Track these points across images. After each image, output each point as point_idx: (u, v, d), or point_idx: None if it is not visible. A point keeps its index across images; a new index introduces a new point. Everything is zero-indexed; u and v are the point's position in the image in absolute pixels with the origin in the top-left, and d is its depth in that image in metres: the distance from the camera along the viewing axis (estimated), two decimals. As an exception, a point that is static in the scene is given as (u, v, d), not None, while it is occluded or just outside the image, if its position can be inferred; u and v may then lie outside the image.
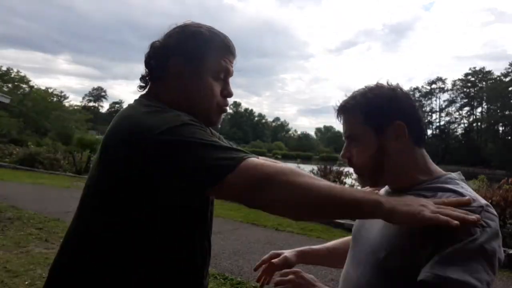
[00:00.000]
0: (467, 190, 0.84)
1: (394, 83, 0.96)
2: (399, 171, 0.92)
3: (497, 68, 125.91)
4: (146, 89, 0.96)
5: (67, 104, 41.69)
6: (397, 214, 0.71)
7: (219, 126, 1.03)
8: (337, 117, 1.00)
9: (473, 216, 0.73)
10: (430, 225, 0.70)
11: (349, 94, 0.99)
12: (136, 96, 0.96)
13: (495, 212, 0.81)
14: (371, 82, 0.99)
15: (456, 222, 0.68)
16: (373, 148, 0.92)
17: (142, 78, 0.95)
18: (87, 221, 0.84)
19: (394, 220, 0.72)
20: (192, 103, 0.91)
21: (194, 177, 0.73)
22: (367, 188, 0.99)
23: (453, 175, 0.92)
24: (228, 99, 0.97)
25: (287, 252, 1.21)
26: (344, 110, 0.97)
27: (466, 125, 74.11)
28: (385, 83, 0.96)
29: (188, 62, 0.90)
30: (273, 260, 1.21)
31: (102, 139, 0.86)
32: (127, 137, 0.78)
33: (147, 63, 0.94)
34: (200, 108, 0.92)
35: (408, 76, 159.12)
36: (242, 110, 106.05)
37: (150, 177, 0.76)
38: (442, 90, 76.32)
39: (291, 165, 0.77)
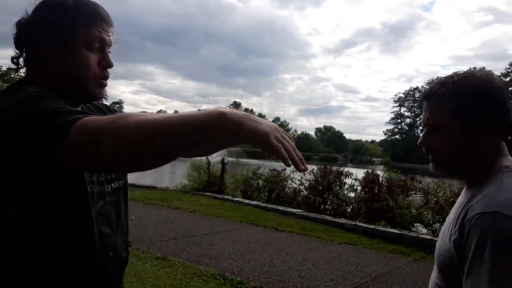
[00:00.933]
0: (498, 192, 0.81)
1: (487, 71, 0.90)
2: (480, 164, 0.89)
3: (497, 68, 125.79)
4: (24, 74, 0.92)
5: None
6: (242, 128, 0.67)
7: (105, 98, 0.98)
8: (420, 103, 0.95)
9: (304, 167, 0.71)
10: (269, 152, 0.67)
11: (435, 80, 0.94)
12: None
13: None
14: (462, 69, 0.93)
15: (290, 162, 0.67)
16: (459, 140, 0.88)
17: (13, 60, 0.91)
18: None
19: (240, 134, 0.67)
20: (68, 78, 0.88)
21: (38, 149, 0.69)
22: None
23: (511, 167, 0.87)
24: (108, 69, 0.92)
25: None
26: (431, 96, 0.92)
27: (466, 125, 74.12)
28: (478, 72, 0.90)
29: (56, 37, 0.86)
30: None
31: None
32: None
33: (16, 44, 0.89)
34: (76, 82, 0.88)
35: (408, 76, 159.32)
36: (242, 110, 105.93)
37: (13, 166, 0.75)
38: (442, 90, 76.33)
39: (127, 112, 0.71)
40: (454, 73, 0.92)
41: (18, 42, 0.89)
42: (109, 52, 0.93)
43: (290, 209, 7.19)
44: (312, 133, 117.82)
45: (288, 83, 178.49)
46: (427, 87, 0.98)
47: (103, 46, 0.91)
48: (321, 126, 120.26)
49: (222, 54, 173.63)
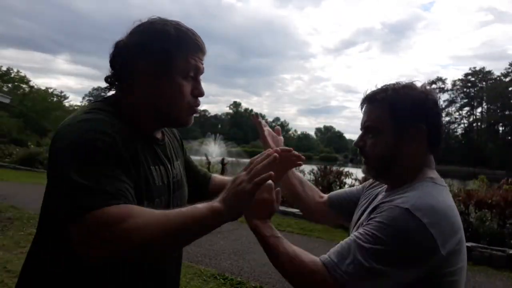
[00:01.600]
0: (417, 195, 0.85)
1: (426, 84, 0.97)
2: (405, 170, 0.95)
3: (497, 68, 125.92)
4: (111, 92, 0.94)
5: (67, 104, 41.67)
6: (233, 209, 0.75)
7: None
8: (361, 105, 1.01)
9: (273, 156, 0.78)
10: (257, 191, 0.75)
11: (379, 85, 1.00)
12: None
13: (417, 215, 0.80)
14: (404, 79, 0.99)
15: (271, 173, 0.74)
16: (390, 144, 0.93)
17: (107, 79, 0.92)
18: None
19: (235, 214, 0.76)
20: (160, 104, 0.89)
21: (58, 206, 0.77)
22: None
23: (435, 179, 0.93)
24: (200, 98, 0.94)
25: None
26: (371, 100, 0.98)
27: (466, 125, 74.06)
28: (419, 84, 0.96)
29: (155, 62, 0.87)
30: None
31: None
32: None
33: (112, 64, 0.90)
34: (169, 109, 0.90)
35: (408, 76, 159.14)
36: (242, 110, 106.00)
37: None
38: (442, 90, 76.26)
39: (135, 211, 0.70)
40: (396, 82, 0.98)
41: (114, 61, 0.89)
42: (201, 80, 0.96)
43: (290, 209, 7.19)
44: (312, 133, 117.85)
45: (288, 83, 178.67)
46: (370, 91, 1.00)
47: (197, 75, 0.93)
48: (321, 126, 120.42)
49: (221, 54, 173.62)
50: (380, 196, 1.02)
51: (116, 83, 0.92)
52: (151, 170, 0.88)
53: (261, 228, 0.93)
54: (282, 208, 7.37)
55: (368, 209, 0.99)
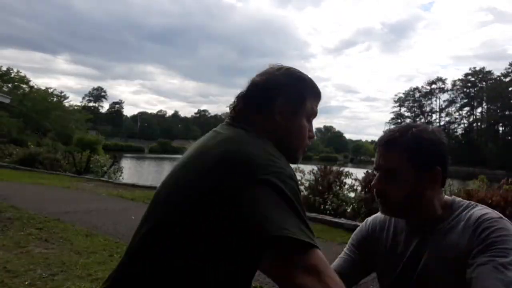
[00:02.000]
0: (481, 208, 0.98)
1: (436, 128, 1.05)
2: (426, 209, 1.00)
3: (496, 68, 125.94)
4: (249, 120, 0.95)
5: (67, 104, 41.60)
6: None
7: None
8: (377, 147, 1.04)
9: None
10: None
11: (393, 128, 1.05)
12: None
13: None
14: (414, 122, 1.07)
15: None
16: (409, 188, 0.97)
17: (236, 110, 0.98)
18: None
19: None
20: (287, 141, 0.96)
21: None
22: None
23: (464, 202, 1.03)
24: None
25: None
26: (389, 143, 1.01)
27: (466, 125, 74.15)
28: (430, 128, 1.02)
29: (292, 103, 0.96)
30: None
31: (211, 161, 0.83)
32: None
33: (248, 99, 0.97)
34: (293, 146, 0.98)
35: (408, 76, 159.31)
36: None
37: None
38: (442, 90, 76.35)
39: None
40: (410, 123, 1.04)
41: (250, 97, 0.97)
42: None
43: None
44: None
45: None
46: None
47: (312, 119, 1.03)
48: (321, 126, 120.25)
49: (221, 54, 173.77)
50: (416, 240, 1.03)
51: (252, 115, 0.96)
52: None
53: None
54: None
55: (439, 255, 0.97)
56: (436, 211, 1.00)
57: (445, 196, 1.04)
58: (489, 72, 70.23)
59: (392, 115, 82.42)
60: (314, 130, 1.06)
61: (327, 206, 7.44)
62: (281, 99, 0.95)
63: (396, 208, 1.02)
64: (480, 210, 0.97)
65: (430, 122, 77.10)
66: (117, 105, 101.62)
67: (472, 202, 1.02)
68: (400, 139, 0.99)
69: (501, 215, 0.93)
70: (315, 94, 1.02)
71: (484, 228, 0.90)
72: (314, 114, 1.03)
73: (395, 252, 1.07)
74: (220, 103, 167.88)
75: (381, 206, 1.04)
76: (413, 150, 0.97)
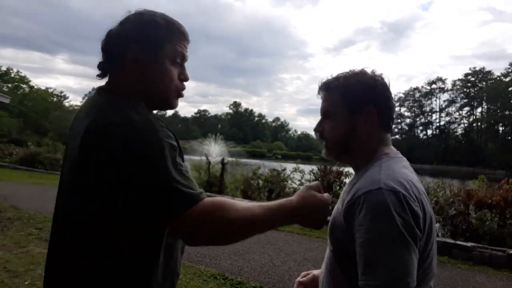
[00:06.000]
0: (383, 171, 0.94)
1: (376, 70, 1.05)
2: (362, 149, 1.03)
3: (496, 68, 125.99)
4: (106, 80, 0.99)
5: (67, 104, 41.71)
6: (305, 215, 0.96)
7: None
8: (318, 93, 1.09)
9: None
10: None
11: (334, 74, 1.08)
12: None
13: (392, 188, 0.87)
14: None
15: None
16: (345, 126, 1.02)
17: (100, 65, 0.98)
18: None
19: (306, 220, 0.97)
20: (152, 87, 0.95)
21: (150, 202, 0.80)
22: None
23: (390, 155, 1.02)
24: (185, 83, 1.03)
25: (316, 271, 1.25)
26: (325, 88, 1.07)
27: (466, 125, 74.09)
28: (369, 71, 1.05)
29: (147, 48, 0.94)
30: (300, 279, 1.25)
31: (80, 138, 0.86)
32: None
33: (105, 51, 0.96)
34: (159, 92, 0.97)
35: (407, 75, 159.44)
36: (242, 110, 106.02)
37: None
38: (442, 90, 76.32)
39: (221, 199, 0.87)
40: (349, 70, 1.07)
41: (106, 49, 0.96)
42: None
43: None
44: (312, 133, 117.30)
45: (287, 83, 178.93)
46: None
47: (182, 61, 1.02)
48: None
49: (220, 54, 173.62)
50: (350, 181, 1.07)
51: (109, 70, 0.98)
52: None
53: None
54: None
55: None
56: (365, 156, 1.03)
57: (390, 147, 1.05)
58: (489, 72, 70.26)
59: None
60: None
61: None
62: (133, 46, 0.93)
63: (334, 148, 1.06)
64: (373, 173, 0.93)
65: (430, 122, 77.23)
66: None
67: (384, 159, 0.99)
68: (334, 83, 1.05)
69: (384, 182, 0.87)
70: (175, 34, 0.98)
71: (358, 205, 0.88)
72: (180, 55, 0.99)
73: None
74: (219, 103, 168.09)
75: (323, 149, 1.10)
76: (345, 93, 1.02)
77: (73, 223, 0.85)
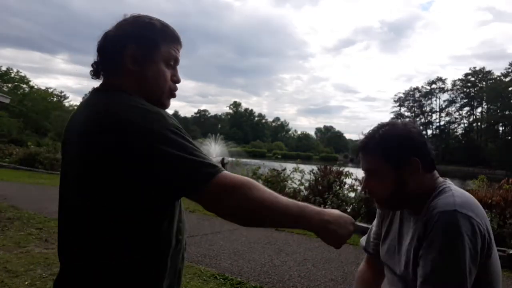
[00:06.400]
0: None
1: (406, 120, 1.12)
2: (416, 197, 1.06)
3: (496, 68, 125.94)
4: (103, 80, 1.00)
5: (67, 104, 41.67)
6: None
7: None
8: (357, 154, 1.13)
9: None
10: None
11: (365, 133, 1.12)
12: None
13: (468, 214, 0.94)
14: (384, 121, 1.13)
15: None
16: (392, 181, 1.05)
17: (94, 65, 1.00)
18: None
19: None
20: (147, 87, 0.97)
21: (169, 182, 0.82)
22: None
23: (441, 186, 1.08)
24: (177, 84, 1.06)
25: None
26: (364, 149, 1.10)
27: (466, 125, 74.12)
28: (398, 121, 1.10)
29: (144, 50, 0.97)
30: None
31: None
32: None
33: (101, 51, 0.98)
34: (154, 92, 0.99)
35: (407, 75, 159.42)
36: (242, 110, 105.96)
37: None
38: (442, 90, 76.32)
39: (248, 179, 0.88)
40: (379, 124, 1.11)
41: (103, 49, 0.98)
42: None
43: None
44: (312, 133, 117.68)
45: (287, 83, 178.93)
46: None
47: (175, 64, 1.05)
48: (321, 126, 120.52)
49: (220, 54, 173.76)
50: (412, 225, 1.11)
51: (103, 70, 1.00)
52: None
53: None
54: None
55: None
56: (423, 198, 1.06)
57: (439, 178, 1.10)
58: (489, 72, 70.25)
59: (392, 115, 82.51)
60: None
61: (327, 206, 7.44)
62: (130, 47, 0.95)
63: (387, 203, 1.10)
64: (441, 199, 1.00)
65: (430, 122, 77.25)
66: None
67: (445, 186, 1.06)
68: (371, 143, 1.08)
69: (458, 206, 0.95)
70: (170, 38, 1.02)
71: (431, 225, 0.96)
72: (173, 58, 1.03)
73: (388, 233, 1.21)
74: (219, 103, 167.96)
75: (376, 203, 1.14)
76: (385, 150, 1.05)
77: (83, 221, 0.86)
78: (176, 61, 1.05)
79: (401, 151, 1.04)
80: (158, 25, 1.00)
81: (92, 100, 0.95)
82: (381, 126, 1.09)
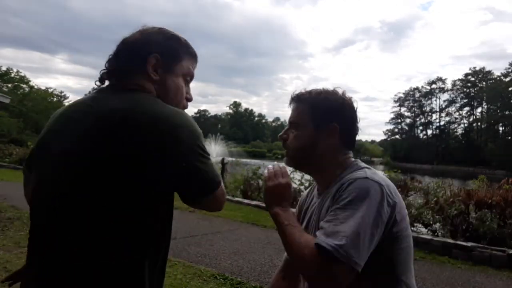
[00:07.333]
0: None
1: (346, 92, 1.12)
2: (322, 164, 1.09)
3: (496, 67, 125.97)
4: (123, 80, 0.95)
5: (67, 104, 41.62)
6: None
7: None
8: (290, 103, 1.15)
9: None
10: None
11: (308, 88, 1.14)
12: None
13: (380, 182, 0.95)
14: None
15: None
16: (308, 138, 1.08)
17: (109, 72, 0.96)
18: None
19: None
20: (165, 98, 0.94)
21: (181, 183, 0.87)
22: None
23: (358, 162, 1.09)
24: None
25: None
26: (297, 99, 1.13)
27: (466, 125, 74.04)
28: (340, 91, 1.11)
29: (167, 60, 0.96)
30: None
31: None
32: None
33: (118, 58, 0.95)
34: (170, 104, 0.93)
35: (407, 75, 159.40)
36: (242, 110, 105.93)
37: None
38: (442, 90, 76.29)
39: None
40: (323, 88, 1.12)
41: (122, 56, 0.95)
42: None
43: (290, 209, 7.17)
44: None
45: (287, 83, 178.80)
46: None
47: (190, 81, 1.06)
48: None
49: (220, 54, 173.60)
50: (316, 200, 1.14)
51: (123, 72, 0.95)
52: None
53: (280, 216, 1.02)
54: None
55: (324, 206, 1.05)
56: (332, 170, 1.08)
57: (351, 159, 1.11)
58: (489, 72, 70.23)
59: (392, 115, 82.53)
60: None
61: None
62: (155, 55, 0.94)
63: (294, 157, 1.12)
64: (357, 172, 1.01)
65: (430, 122, 77.22)
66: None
67: (359, 165, 1.07)
68: (306, 95, 1.11)
69: (370, 175, 0.96)
70: (190, 54, 1.03)
71: (343, 188, 0.96)
72: (191, 75, 1.03)
73: (306, 213, 1.23)
74: (219, 103, 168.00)
75: (285, 157, 1.15)
76: (314, 107, 1.08)
77: (83, 221, 0.82)
78: (192, 78, 1.05)
79: (326, 114, 1.07)
80: (182, 39, 1.01)
81: (123, 99, 0.88)
82: (323, 88, 1.12)
